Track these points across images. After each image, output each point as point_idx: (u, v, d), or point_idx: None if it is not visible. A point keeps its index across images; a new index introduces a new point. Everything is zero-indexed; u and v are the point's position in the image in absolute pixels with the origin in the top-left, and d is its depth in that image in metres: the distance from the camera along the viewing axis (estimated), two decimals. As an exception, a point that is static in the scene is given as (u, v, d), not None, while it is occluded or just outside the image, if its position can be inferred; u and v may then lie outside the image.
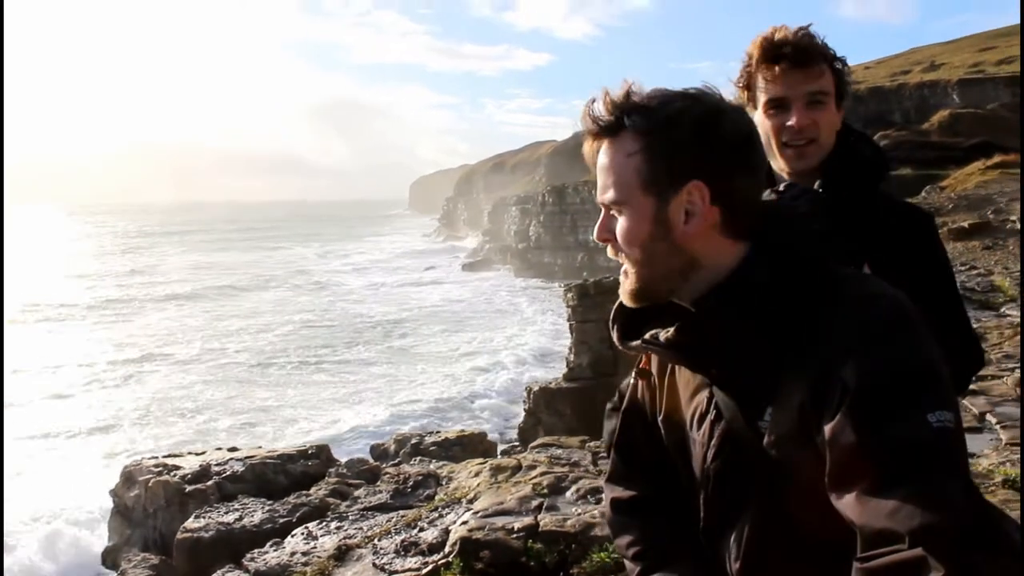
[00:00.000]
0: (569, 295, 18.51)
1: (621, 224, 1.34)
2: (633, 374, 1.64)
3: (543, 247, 64.28)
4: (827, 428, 1.18)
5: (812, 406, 1.22)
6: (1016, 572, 1.06)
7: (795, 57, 1.87)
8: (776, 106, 1.91)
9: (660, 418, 1.55)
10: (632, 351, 1.44)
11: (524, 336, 37.40)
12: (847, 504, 1.14)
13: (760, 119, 1.94)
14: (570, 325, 18.72)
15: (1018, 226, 12.42)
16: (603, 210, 1.37)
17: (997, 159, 21.72)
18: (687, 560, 1.50)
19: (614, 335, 1.47)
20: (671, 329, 1.33)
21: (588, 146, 1.37)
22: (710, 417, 1.40)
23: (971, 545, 1.04)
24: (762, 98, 1.93)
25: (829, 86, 1.90)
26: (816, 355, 1.23)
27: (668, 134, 1.30)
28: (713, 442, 1.39)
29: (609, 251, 1.38)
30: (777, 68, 1.88)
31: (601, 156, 1.34)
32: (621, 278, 1.40)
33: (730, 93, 1.97)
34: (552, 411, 17.80)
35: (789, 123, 1.89)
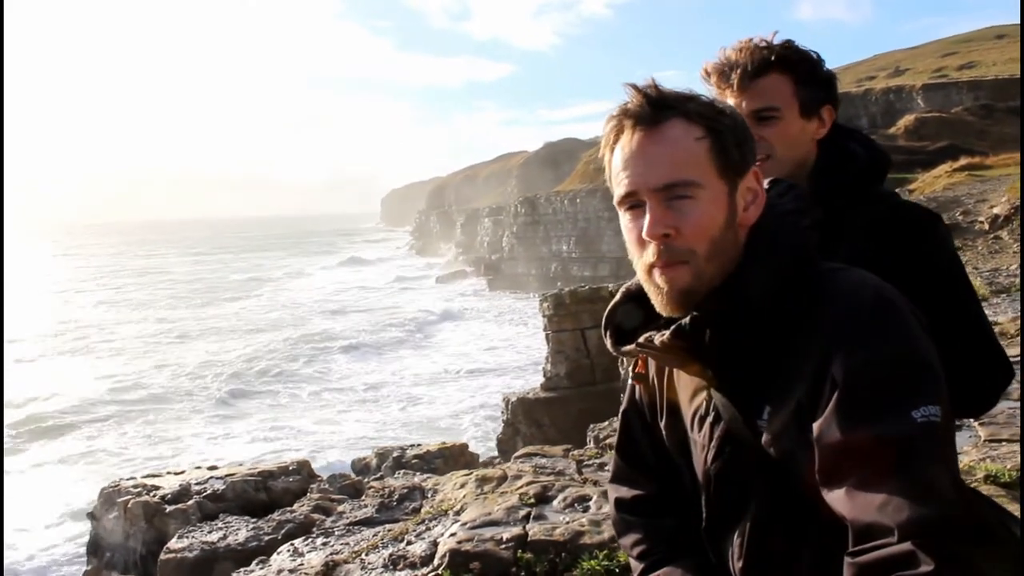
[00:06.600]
0: (545, 305, 18.49)
1: (694, 210, 1.27)
2: (629, 377, 1.64)
3: (516, 258, 64.27)
4: (816, 425, 1.20)
5: (808, 403, 1.23)
6: (1003, 562, 1.07)
7: (735, 77, 1.80)
8: None
9: (662, 421, 1.56)
10: (627, 355, 1.44)
11: (497, 347, 37.33)
12: (837, 499, 1.16)
13: None
14: (546, 335, 18.69)
15: (986, 227, 12.62)
16: (652, 201, 1.28)
17: (963, 161, 22.10)
18: (691, 557, 1.51)
19: (607, 340, 1.46)
20: (666, 332, 1.32)
21: (627, 138, 1.30)
22: (709, 419, 1.40)
23: (958, 537, 1.05)
24: None
25: (781, 99, 1.81)
26: (809, 353, 1.24)
27: (730, 120, 1.32)
28: (713, 443, 1.40)
29: (650, 252, 1.30)
30: (725, 90, 1.83)
31: (652, 142, 1.28)
32: (657, 282, 1.32)
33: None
34: (531, 421, 17.76)
35: None
